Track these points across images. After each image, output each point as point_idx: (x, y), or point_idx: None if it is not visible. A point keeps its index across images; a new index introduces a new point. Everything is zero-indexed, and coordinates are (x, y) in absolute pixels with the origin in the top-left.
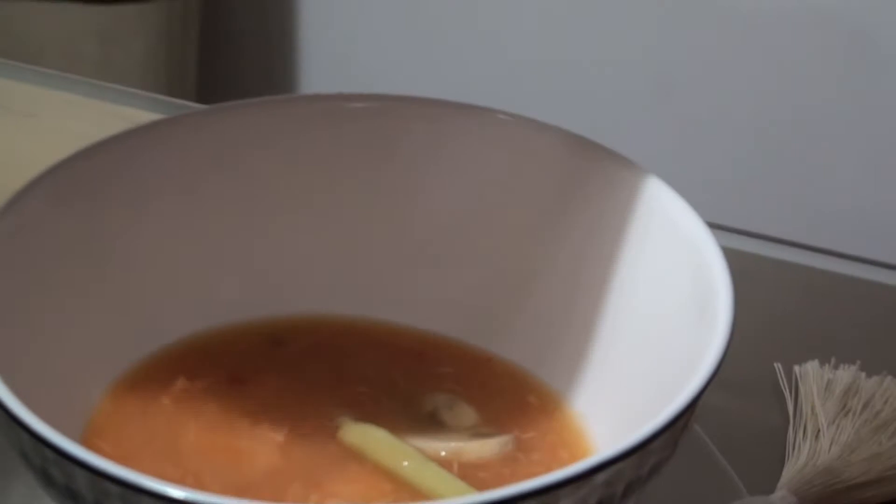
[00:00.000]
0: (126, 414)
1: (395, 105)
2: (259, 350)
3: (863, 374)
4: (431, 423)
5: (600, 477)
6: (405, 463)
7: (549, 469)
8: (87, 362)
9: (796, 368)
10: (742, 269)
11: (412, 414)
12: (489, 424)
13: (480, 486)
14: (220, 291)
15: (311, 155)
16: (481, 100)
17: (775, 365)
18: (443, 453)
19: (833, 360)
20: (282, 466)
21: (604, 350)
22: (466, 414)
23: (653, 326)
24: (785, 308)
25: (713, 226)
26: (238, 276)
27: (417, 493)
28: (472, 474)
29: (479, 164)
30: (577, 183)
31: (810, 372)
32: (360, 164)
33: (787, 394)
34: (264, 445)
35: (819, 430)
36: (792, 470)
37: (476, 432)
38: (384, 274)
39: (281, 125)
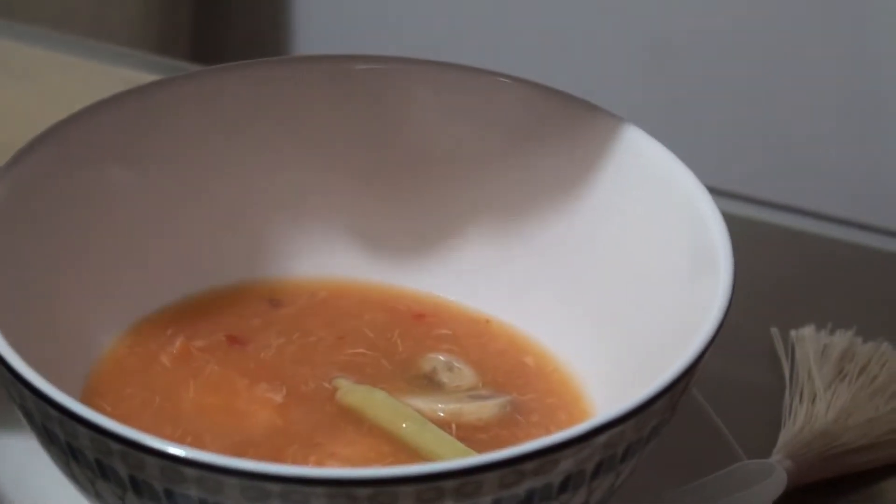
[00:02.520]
0: (125, 374)
1: (398, 66)
2: (258, 310)
3: (859, 340)
4: (430, 385)
5: (601, 439)
6: (404, 424)
7: (547, 431)
8: (86, 322)
9: (793, 333)
10: (739, 233)
11: (410, 375)
12: (487, 386)
13: (479, 447)
14: (220, 251)
15: (311, 116)
16: (480, 62)
17: (772, 330)
18: (441, 415)
19: (829, 326)
20: (280, 427)
21: (602, 312)
22: (465, 375)
23: (652, 289)
24: (782, 273)
25: (711, 190)
26: (238, 236)
27: (416, 454)
28: (470, 436)
29: (481, 126)
30: (576, 145)
31: (807, 337)
32: (360, 125)
33: (783, 359)
34: (263, 406)
35: (815, 395)
36: (788, 434)
37: (474, 394)
38: (384, 235)
39: (282, 86)
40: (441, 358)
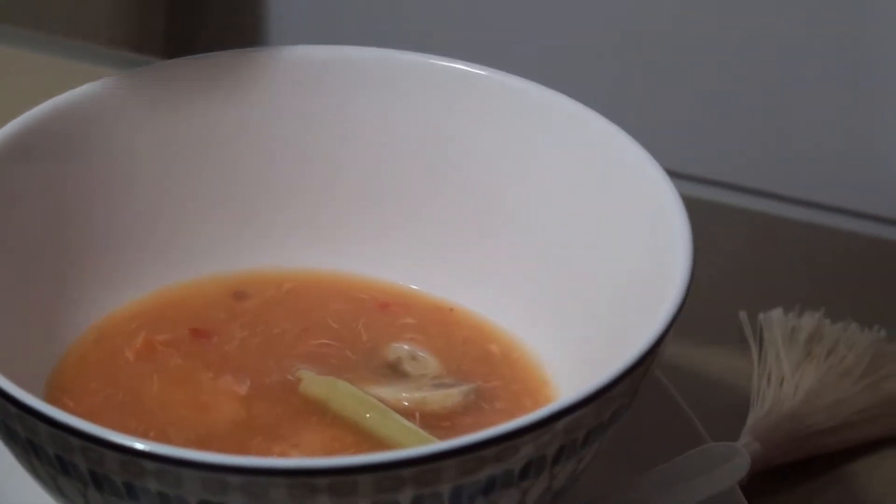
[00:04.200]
0: (89, 368)
1: (370, 58)
2: (222, 303)
3: (827, 321)
4: (394, 374)
5: (560, 424)
6: (367, 414)
7: (512, 418)
8: (48, 318)
9: (761, 316)
10: (707, 217)
11: (375, 365)
12: (452, 374)
13: (443, 435)
14: (184, 244)
15: (275, 107)
16: (452, 52)
17: (740, 313)
18: (405, 404)
19: (797, 308)
20: (245, 419)
21: (566, 298)
22: (429, 364)
23: (613, 274)
24: (749, 256)
25: (673, 174)
26: (200, 230)
27: (380, 444)
28: (434, 424)
29: (444, 116)
30: (538, 134)
31: (774, 319)
32: (325, 117)
33: (751, 341)
34: (227, 398)
35: (783, 377)
36: (756, 417)
37: (439, 382)
38: (348, 226)
39: (247, 78)
40: (405, 347)
